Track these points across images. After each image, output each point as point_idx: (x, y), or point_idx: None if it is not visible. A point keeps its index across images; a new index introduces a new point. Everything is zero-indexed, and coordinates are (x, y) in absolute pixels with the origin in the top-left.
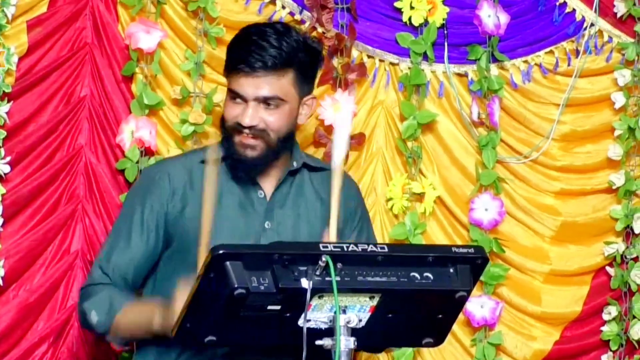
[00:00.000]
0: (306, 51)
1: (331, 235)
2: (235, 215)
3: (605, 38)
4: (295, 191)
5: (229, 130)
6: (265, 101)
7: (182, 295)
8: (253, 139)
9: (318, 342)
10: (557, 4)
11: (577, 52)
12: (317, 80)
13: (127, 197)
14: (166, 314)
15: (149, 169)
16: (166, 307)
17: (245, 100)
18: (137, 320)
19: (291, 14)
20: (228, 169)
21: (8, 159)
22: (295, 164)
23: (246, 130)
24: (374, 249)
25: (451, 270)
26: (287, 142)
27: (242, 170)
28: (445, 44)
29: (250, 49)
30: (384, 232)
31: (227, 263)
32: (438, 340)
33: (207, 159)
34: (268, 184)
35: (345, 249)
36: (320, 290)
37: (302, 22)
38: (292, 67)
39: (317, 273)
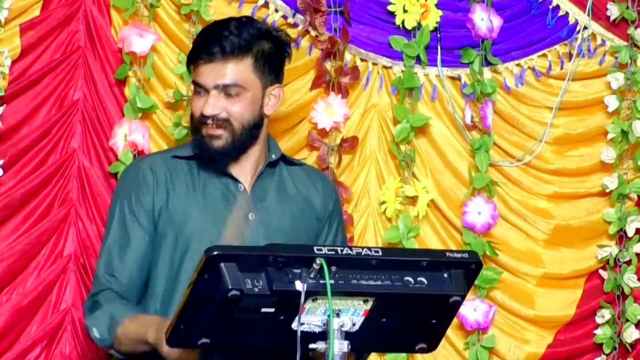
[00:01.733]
0: (269, 40)
1: None
2: (219, 207)
3: (599, 41)
4: (277, 184)
5: (196, 125)
6: (226, 90)
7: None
8: (217, 128)
9: (311, 346)
10: (550, 7)
11: (570, 56)
12: (284, 72)
13: (115, 195)
14: (161, 327)
15: (131, 166)
16: (164, 321)
17: (207, 90)
18: (136, 334)
19: (284, 17)
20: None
21: (1, 162)
22: (274, 155)
23: (209, 121)
24: (369, 252)
25: (445, 275)
26: (253, 131)
27: (212, 161)
28: (439, 47)
29: (209, 38)
30: (377, 236)
31: (222, 264)
32: (432, 345)
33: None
34: (246, 177)
35: (340, 252)
36: (314, 293)
37: (295, 25)
38: (251, 53)
39: (312, 276)
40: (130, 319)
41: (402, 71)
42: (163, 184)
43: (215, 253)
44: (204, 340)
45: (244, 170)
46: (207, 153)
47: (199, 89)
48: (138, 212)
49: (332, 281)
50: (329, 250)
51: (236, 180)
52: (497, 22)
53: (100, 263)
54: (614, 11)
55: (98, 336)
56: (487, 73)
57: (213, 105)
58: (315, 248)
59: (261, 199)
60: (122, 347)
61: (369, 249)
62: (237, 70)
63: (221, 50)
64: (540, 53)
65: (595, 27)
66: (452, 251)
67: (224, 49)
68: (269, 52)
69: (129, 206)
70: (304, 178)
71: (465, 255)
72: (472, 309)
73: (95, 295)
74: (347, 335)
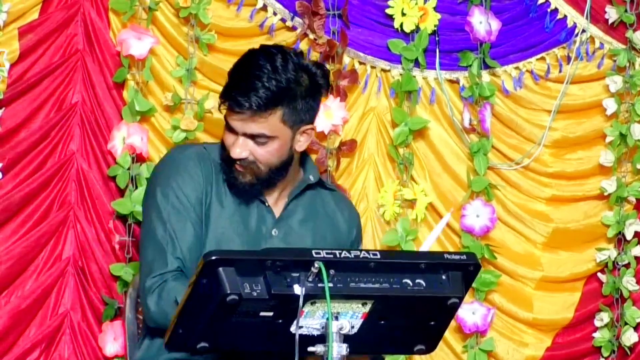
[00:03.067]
0: (304, 85)
1: None
2: (245, 217)
3: (597, 44)
4: (306, 205)
5: (225, 156)
6: (254, 138)
7: None
8: (242, 168)
9: (310, 349)
10: (549, 10)
11: (569, 59)
12: (319, 106)
13: (160, 178)
14: None
15: (177, 151)
16: None
17: (234, 131)
18: None
19: (282, 20)
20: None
21: (0, 165)
22: (311, 177)
23: (237, 161)
24: (367, 255)
25: (443, 277)
26: (281, 170)
27: (238, 191)
28: (437, 50)
29: (239, 86)
30: (375, 239)
31: (220, 269)
32: (430, 347)
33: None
34: (275, 195)
35: (338, 255)
36: (313, 296)
37: (294, 28)
38: (281, 105)
39: (310, 279)
40: None
41: (401, 74)
42: (209, 176)
43: (213, 257)
44: (203, 344)
45: (277, 192)
46: (235, 184)
47: (229, 127)
48: (188, 196)
49: (330, 284)
50: (327, 253)
51: (263, 202)
52: (495, 25)
53: (162, 242)
54: (612, 14)
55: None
56: (485, 76)
57: (241, 149)
58: (313, 252)
59: (288, 216)
60: None
61: (367, 251)
62: (265, 123)
63: (249, 106)
64: (539, 56)
65: (594, 30)
66: (450, 253)
67: (251, 105)
68: (304, 95)
69: (180, 188)
70: (332, 203)
71: (464, 257)
72: (470, 312)
73: (164, 274)
74: (346, 338)
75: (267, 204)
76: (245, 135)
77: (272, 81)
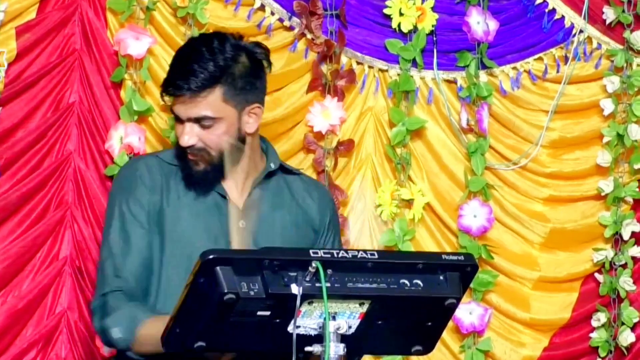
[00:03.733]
0: (242, 62)
1: None
2: (207, 214)
3: (594, 45)
4: (272, 193)
5: (179, 148)
6: (198, 121)
7: None
8: (194, 157)
9: (307, 349)
10: (546, 10)
11: (566, 59)
12: (264, 86)
13: (112, 196)
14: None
15: (127, 165)
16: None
17: (181, 120)
18: (157, 333)
19: (280, 20)
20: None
21: None
22: (272, 165)
23: (187, 149)
24: (364, 255)
25: (441, 277)
26: (234, 154)
27: (195, 182)
28: (435, 50)
29: (176, 73)
30: (373, 239)
31: (217, 268)
32: (427, 348)
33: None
34: (237, 188)
35: (336, 255)
36: (310, 296)
37: (292, 28)
38: (220, 83)
39: (307, 279)
40: (154, 319)
41: (398, 74)
42: (159, 185)
43: (211, 257)
44: (200, 343)
45: (233, 181)
46: (191, 178)
47: (175, 116)
48: (138, 211)
49: (328, 284)
50: (324, 253)
51: (221, 195)
52: (493, 25)
53: (105, 263)
54: (609, 14)
55: (121, 336)
56: (483, 76)
57: (189, 136)
58: (311, 251)
59: (254, 207)
60: (143, 348)
61: (365, 251)
62: (205, 103)
63: (187, 88)
64: (536, 56)
65: (591, 30)
66: (447, 253)
67: (190, 87)
68: (243, 74)
69: (127, 205)
70: (300, 187)
71: (461, 257)
72: (468, 312)
73: (104, 295)
74: (343, 338)
75: (227, 197)
76: (190, 120)
77: (209, 62)
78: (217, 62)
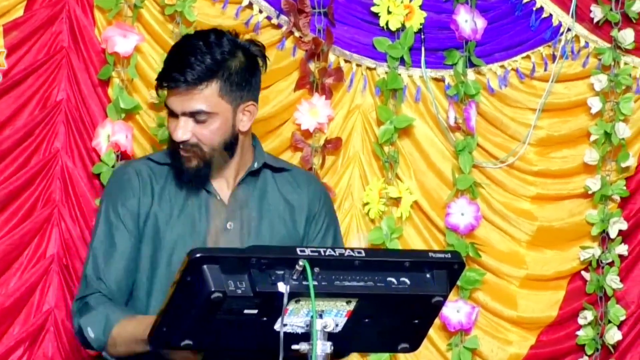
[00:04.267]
0: (239, 56)
1: None
2: (198, 216)
3: (582, 43)
4: (259, 192)
5: (172, 144)
6: (193, 116)
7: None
8: (188, 152)
9: (294, 347)
10: (534, 9)
11: (554, 57)
12: (259, 84)
13: (102, 199)
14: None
15: (118, 169)
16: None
17: (176, 115)
18: (134, 333)
19: (268, 18)
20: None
21: None
22: (256, 164)
23: (180, 145)
24: (352, 253)
25: (428, 275)
26: (226, 151)
27: (186, 178)
28: (423, 48)
29: (173, 65)
30: (360, 237)
31: (205, 266)
32: (414, 345)
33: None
34: (225, 187)
35: (323, 253)
36: (297, 294)
37: (280, 26)
38: (216, 78)
39: (294, 277)
40: (128, 319)
41: (386, 72)
42: (149, 189)
43: (198, 255)
44: (187, 341)
45: (223, 180)
46: (183, 174)
47: (169, 111)
48: (124, 215)
49: (315, 282)
50: (311, 251)
51: (210, 193)
52: (481, 23)
53: (88, 266)
54: (597, 13)
55: (93, 336)
56: (470, 74)
57: (183, 131)
58: (298, 249)
59: (241, 207)
60: (117, 348)
61: (352, 249)
62: (202, 97)
63: (184, 80)
64: (524, 55)
65: (579, 29)
66: (435, 251)
67: (187, 79)
68: (239, 70)
69: (115, 209)
70: (289, 183)
71: (448, 255)
72: (455, 310)
73: (84, 297)
74: (330, 336)
75: (219, 197)
76: (185, 114)
77: (206, 55)
78: (214, 56)
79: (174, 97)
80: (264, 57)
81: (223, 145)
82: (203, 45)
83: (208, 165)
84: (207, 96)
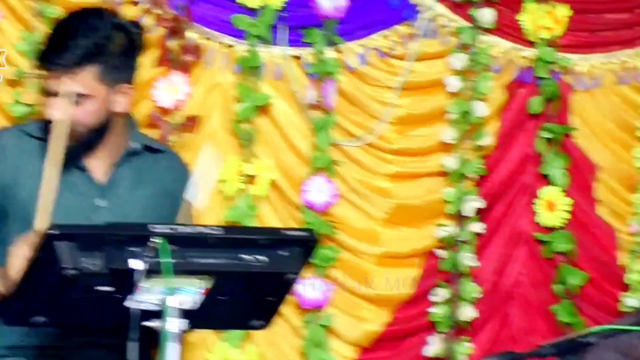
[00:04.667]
0: (118, 41)
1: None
2: (68, 192)
3: (442, 22)
4: (134, 172)
5: (46, 121)
6: (69, 97)
7: (17, 249)
8: None
9: (145, 323)
10: None
11: (414, 36)
12: (137, 65)
13: None
14: (2, 272)
15: None
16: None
17: (51, 94)
18: None
19: None
20: None
21: None
22: (134, 145)
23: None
24: (207, 231)
25: (283, 252)
26: (100, 131)
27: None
28: (282, 26)
29: (53, 46)
30: (218, 214)
31: (59, 243)
32: (267, 321)
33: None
34: (100, 165)
35: (178, 230)
36: (152, 271)
37: (137, 3)
38: (94, 62)
39: (150, 254)
40: None
41: (246, 50)
42: (12, 160)
43: (52, 231)
44: (40, 318)
45: (98, 159)
46: None
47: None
48: None
49: (171, 260)
50: (168, 229)
51: (83, 171)
52: (342, 1)
53: None
54: None
55: None
56: (330, 52)
57: (58, 111)
58: (153, 226)
59: (115, 186)
60: None
61: (208, 227)
62: (79, 80)
63: (62, 62)
64: (384, 33)
65: (439, 8)
66: (289, 229)
67: (64, 62)
68: (118, 53)
69: None
70: (162, 165)
71: (302, 232)
72: (310, 287)
73: None
74: (187, 314)
75: (92, 176)
76: (62, 95)
77: (86, 39)
78: (93, 40)
79: (51, 78)
80: (142, 40)
81: (96, 126)
82: (83, 28)
83: (81, 145)
84: (85, 79)
